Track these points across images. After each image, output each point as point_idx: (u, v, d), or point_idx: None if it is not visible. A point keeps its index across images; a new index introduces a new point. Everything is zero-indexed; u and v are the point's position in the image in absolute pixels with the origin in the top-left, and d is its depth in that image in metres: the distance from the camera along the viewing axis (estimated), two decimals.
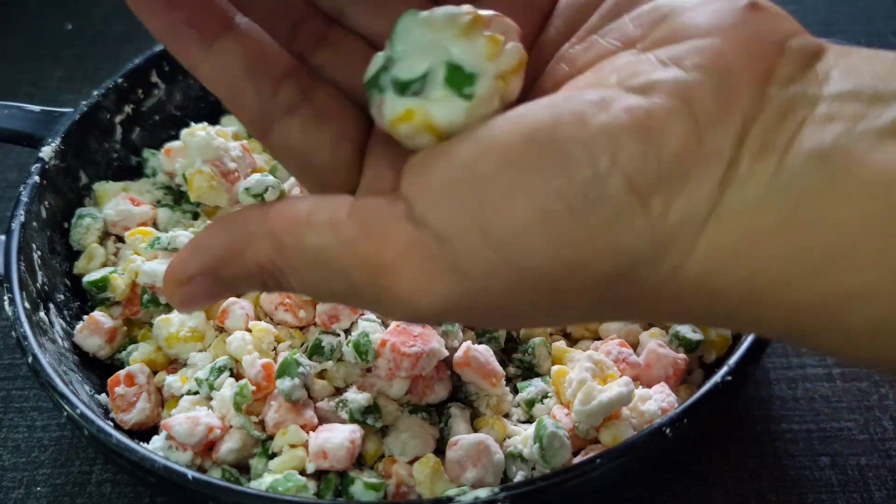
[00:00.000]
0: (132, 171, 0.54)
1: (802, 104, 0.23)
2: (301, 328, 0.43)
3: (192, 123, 0.52)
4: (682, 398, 0.41)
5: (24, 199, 0.46)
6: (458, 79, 0.24)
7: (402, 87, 0.25)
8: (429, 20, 0.25)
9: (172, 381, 0.42)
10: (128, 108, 0.53)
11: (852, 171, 0.22)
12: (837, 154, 0.22)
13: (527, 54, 0.26)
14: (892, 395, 0.47)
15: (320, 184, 0.29)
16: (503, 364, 0.42)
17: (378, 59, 0.26)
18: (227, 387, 0.40)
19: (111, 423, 0.39)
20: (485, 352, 0.40)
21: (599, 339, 0.45)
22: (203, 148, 0.48)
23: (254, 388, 0.39)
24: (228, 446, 0.39)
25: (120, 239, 0.49)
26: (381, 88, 0.26)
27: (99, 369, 0.45)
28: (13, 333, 0.41)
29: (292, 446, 0.38)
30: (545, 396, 0.41)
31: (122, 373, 0.42)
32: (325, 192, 0.28)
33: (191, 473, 0.35)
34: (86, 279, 0.46)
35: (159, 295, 0.44)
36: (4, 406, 0.49)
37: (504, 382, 0.42)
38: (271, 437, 0.39)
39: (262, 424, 0.40)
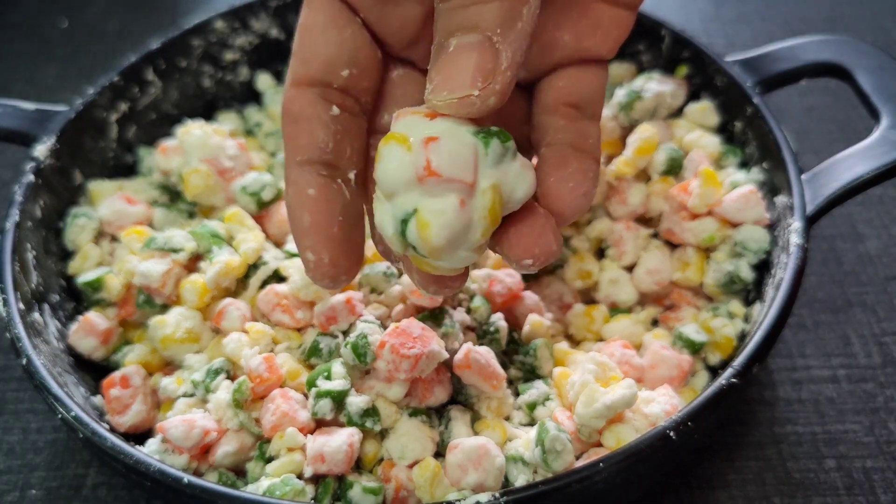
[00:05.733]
0: (128, 170, 0.53)
1: None
2: (298, 329, 0.43)
3: (189, 121, 0.51)
4: (685, 400, 0.40)
5: (19, 198, 0.45)
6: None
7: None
8: None
9: (168, 383, 0.42)
10: (123, 106, 0.53)
11: None
12: None
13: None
14: None
15: None
16: (504, 366, 0.42)
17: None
18: (224, 389, 0.40)
19: (106, 426, 0.39)
20: (486, 353, 0.40)
21: (602, 340, 0.44)
22: (199, 146, 0.48)
23: (252, 384, 0.39)
24: (225, 449, 0.39)
25: (115, 239, 0.48)
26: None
27: (94, 371, 0.44)
28: (7, 335, 0.41)
29: (290, 450, 0.38)
30: (547, 399, 0.40)
31: (116, 374, 0.42)
32: None
33: (186, 477, 0.34)
34: (80, 279, 0.45)
35: (155, 296, 0.44)
36: None
37: (505, 385, 0.41)
38: (268, 441, 0.39)
39: (258, 427, 0.39)
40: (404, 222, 0.30)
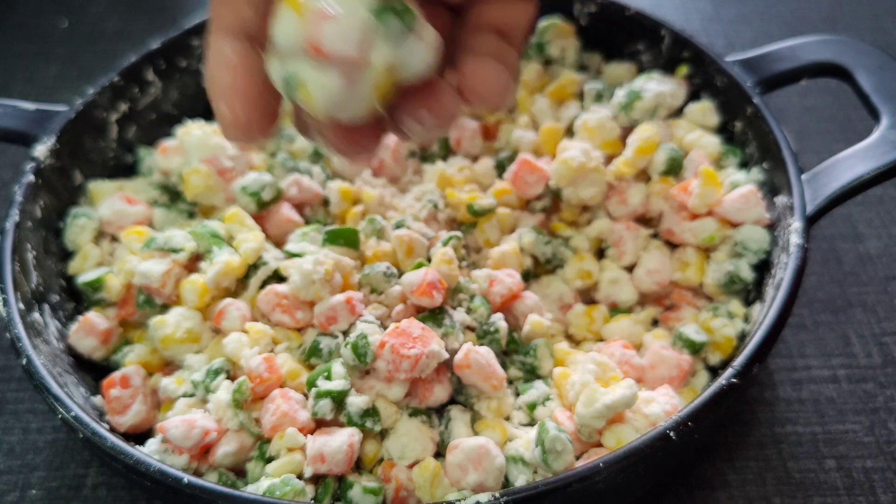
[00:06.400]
0: (128, 170, 0.53)
1: None
2: (298, 329, 0.43)
3: (189, 121, 0.51)
4: (685, 400, 0.40)
5: (19, 198, 0.45)
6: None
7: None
8: None
9: (168, 383, 0.41)
10: (123, 106, 0.53)
11: None
12: None
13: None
14: None
15: None
16: (504, 366, 0.42)
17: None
18: (224, 389, 0.40)
19: (106, 426, 0.39)
20: (486, 353, 0.40)
21: (602, 340, 0.44)
22: (199, 146, 0.48)
23: (252, 384, 0.39)
24: (225, 449, 0.39)
25: (115, 239, 0.48)
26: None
27: (94, 371, 0.44)
28: (7, 335, 0.41)
29: (290, 450, 0.38)
30: (547, 399, 0.40)
31: (116, 375, 0.42)
32: None
33: (186, 477, 0.34)
34: (80, 279, 0.45)
35: (155, 295, 0.44)
36: None
37: (505, 385, 0.41)
38: (268, 441, 0.39)
39: (258, 427, 0.39)
40: (291, 85, 0.31)
